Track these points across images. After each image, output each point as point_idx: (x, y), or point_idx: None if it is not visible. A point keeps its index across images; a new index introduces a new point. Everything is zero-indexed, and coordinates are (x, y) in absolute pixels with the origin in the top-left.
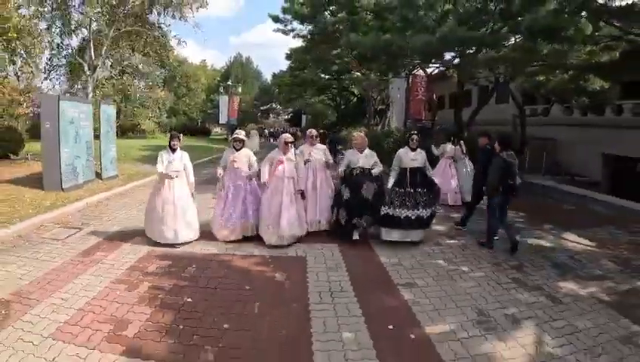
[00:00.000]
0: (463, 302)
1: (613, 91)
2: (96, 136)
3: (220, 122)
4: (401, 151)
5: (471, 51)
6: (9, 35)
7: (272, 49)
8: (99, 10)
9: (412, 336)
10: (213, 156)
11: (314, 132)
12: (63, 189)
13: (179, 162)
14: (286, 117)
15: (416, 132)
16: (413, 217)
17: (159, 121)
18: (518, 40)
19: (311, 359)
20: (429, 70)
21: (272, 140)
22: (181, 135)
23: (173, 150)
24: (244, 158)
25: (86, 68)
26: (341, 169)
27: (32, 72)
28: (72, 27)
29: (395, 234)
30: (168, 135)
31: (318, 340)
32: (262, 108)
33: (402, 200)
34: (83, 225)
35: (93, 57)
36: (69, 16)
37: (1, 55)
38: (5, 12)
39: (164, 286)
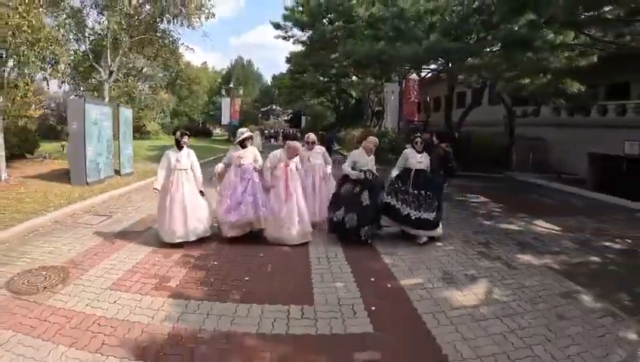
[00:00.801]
0: (433, 265)
1: (590, 93)
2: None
3: (222, 123)
4: (407, 151)
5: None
6: (40, 44)
7: (272, 50)
8: (119, 19)
9: (389, 286)
10: (217, 156)
11: (312, 137)
12: (87, 183)
13: (186, 159)
14: (286, 118)
15: (419, 134)
16: (413, 217)
17: (163, 123)
18: (496, 49)
19: (312, 299)
20: (423, 73)
21: (272, 140)
22: (188, 133)
23: (180, 147)
24: (250, 155)
25: (102, 72)
26: (347, 167)
27: (60, 77)
28: (86, 34)
29: (394, 228)
30: (177, 133)
31: (317, 287)
32: (262, 109)
33: (404, 199)
34: (111, 213)
35: (110, 63)
36: (83, 23)
37: (34, 62)
38: (37, 23)
39: (194, 255)
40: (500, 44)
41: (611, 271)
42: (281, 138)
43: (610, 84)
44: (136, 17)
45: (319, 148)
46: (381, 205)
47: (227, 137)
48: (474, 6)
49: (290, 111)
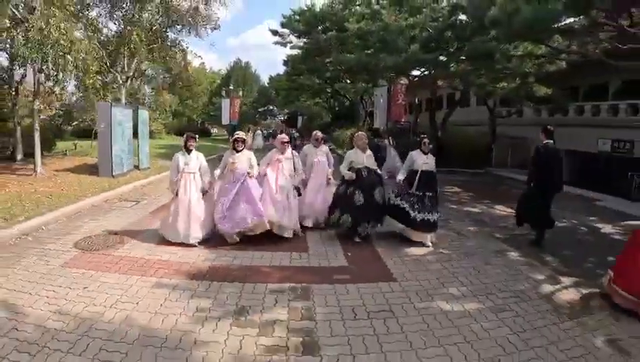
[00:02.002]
0: (399, 235)
1: (568, 94)
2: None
3: (223, 123)
4: (413, 153)
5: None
6: (75, 54)
7: (270, 50)
8: (140, 32)
9: (363, 245)
10: (220, 154)
11: (319, 134)
12: (113, 176)
13: (195, 162)
14: (282, 118)
15: (425, 135)
16: (418, 219)
17: (165, 123)
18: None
19: (308, 260)
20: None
21: (270, 140)
22: (197, 136)
23: (189, 151)
24: (245, 160)
25: (119, 78)
26: (344, 168)
27: (92, 83)
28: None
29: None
30: (185, 136)
31: (311, 252)
32: (259, 109)
33: (410, 201)
34: (139, 199)
35: (126, 69)
36: (98, 33)
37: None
38: (72, 37)
39: None
40: (466, 56)
41: (546, 241)
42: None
43: (591, 85)
44: (150, 28)
45: (324, 148)
46: (388, 205)
47: (227, 137)
48: (449, 22)
49: (286, 111)
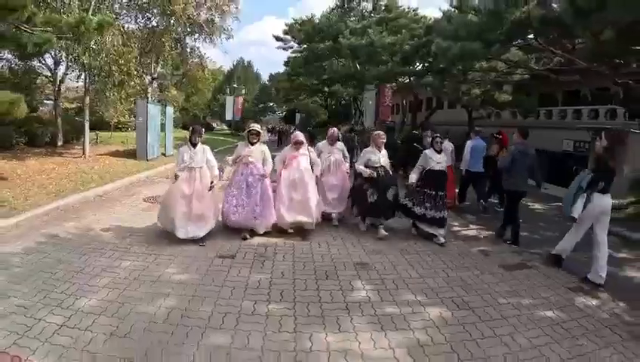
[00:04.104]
0: None
1: (523, 101)
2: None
3: (227, 119)
4: (427, 152)
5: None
6: (121, 62)
7: (269, 47)
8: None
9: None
10: (225, 147)
11: (336, 132)
12: (147, 160)
13: (201, 156)
14: (281, 114)
15: (439, 134)
16: (428, 216)
17: (174, 117)
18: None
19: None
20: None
21: (270, 135)
22: (203, 129)
23: (194, 145)
24: (259, 154)
25: (146, 79)
26: (360, 165)
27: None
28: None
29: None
30: (190, 129)
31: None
32: (260, 106)
33: (420, 200)
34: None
35: (153, 72)
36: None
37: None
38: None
39: None
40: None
41: (474, 206)
42: (276, 134)
43: (567, 91)
44: (176, 38)
45: (340, 145)
46: (394, 201)
47: (230, 131)
48: (422, 41)
49: (285, 108)
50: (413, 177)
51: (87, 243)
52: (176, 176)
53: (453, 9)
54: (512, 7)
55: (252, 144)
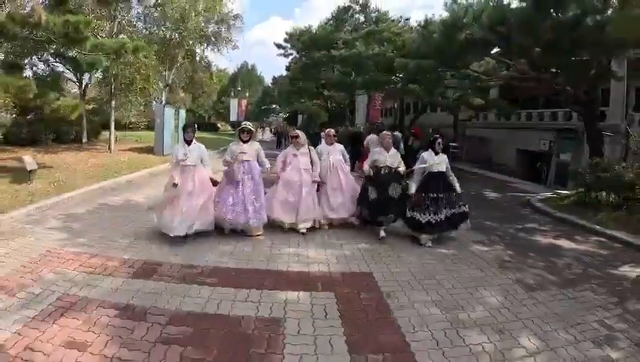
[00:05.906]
0: None
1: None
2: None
3: (231, 120)
4: (425, 154)
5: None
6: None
7: (273, 48)
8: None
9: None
10: (227, 147)
11: (332, 131)
12: (163, 155)
13: (195, 154)
14: (284, 116)
15: (439, 135)
16: (433, 221)
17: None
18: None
19: None
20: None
21: (272, 136)
22: (195, 125)
23: (189, 142)
24: (253, 152)
25: (160, 84)
26: (367, 167)
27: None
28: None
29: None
30: (182, 126)
31: None
32: (263, 107)
33: (421, 208)
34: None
35: (167, 78)
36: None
37: (139, 81)
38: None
39: None
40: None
41: None
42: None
43: (550, 94)
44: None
45: (339, 146)
46: (400, 198)
47: (234, 132)
48: (401, 53)
49: (288, 110)
50: (412, 189)
51: (128, 208)
52: (174, 185)
53: (420, 28)
54: (458, 31)
55: (244, 142)
